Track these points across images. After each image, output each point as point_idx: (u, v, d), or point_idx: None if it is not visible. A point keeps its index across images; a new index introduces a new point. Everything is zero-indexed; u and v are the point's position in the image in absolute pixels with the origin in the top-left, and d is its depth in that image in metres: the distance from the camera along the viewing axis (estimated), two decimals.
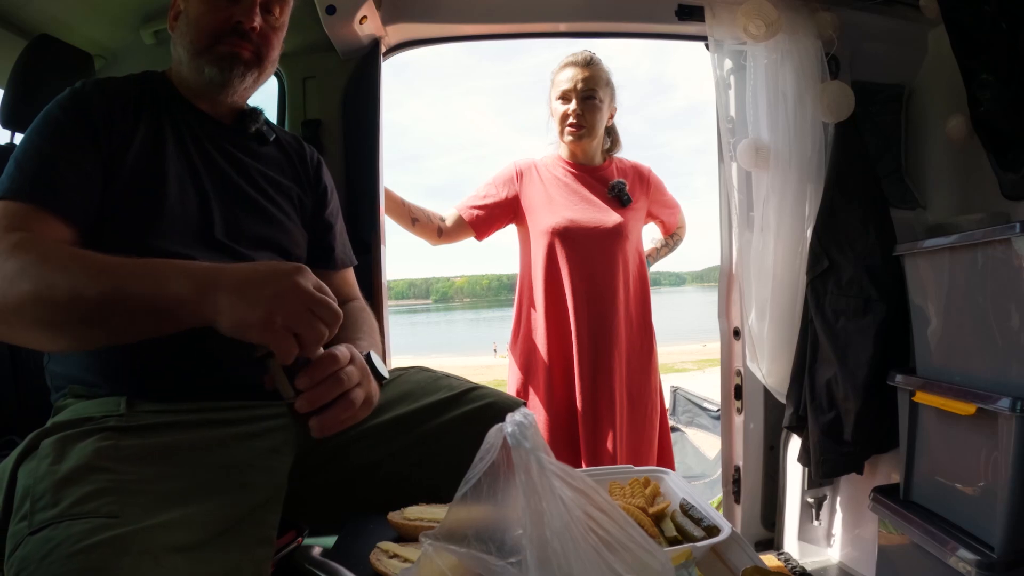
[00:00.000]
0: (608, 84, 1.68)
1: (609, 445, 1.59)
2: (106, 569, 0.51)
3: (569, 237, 1.63)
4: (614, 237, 1.65)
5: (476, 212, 1.69)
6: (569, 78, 1.65)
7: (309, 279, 0.64)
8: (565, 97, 1.66)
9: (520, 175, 1.72)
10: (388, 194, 1.56)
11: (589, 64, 1.66)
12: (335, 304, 0.65)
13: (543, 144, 1.80)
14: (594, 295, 1.63)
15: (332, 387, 0.67)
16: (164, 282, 0.63)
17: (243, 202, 0.90)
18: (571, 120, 1.65)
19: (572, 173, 1.72)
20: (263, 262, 0.68)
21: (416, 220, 1.65)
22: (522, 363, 1.70)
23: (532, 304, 1.69)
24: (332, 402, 0.67)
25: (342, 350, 0.69)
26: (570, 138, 1.68)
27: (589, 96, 1.65)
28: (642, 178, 1.79)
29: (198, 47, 0.88)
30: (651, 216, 1.85)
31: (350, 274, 1.09)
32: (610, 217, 1.66)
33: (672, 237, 1.97)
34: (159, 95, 0.90)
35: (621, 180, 1.71)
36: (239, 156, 0.93)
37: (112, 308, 0.63)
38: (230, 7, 0.87)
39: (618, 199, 1.69)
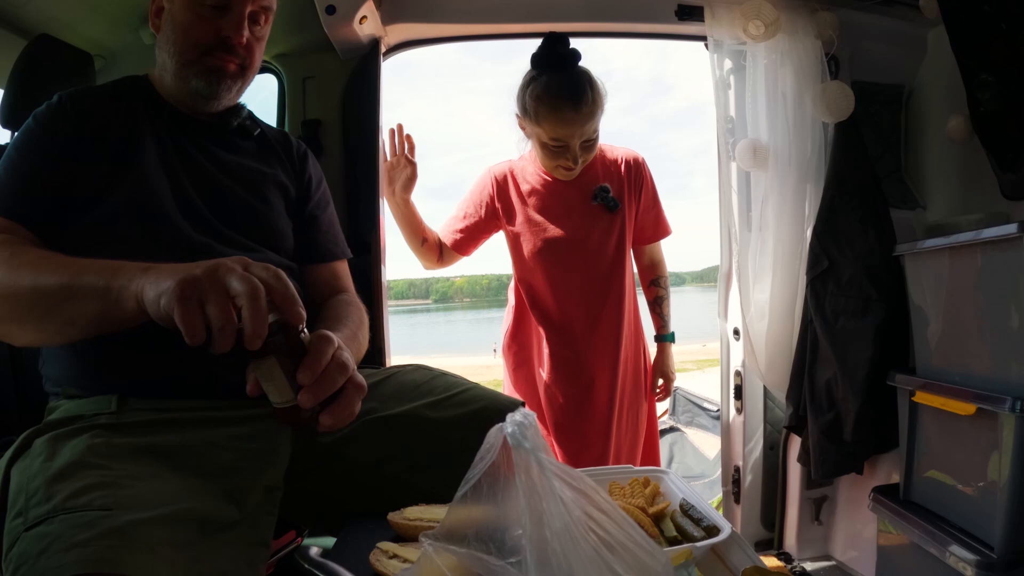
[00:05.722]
0: (602, 108, 1.48)
1: (594, 452, 1.57)
2: (103, 561, 0.52)
3: (551, 254, 1.56)
4: (597, 250, 1.57)
5: (457, 236, 1.62)
6: (566, 126, 1.44)
7: (238, 260, 0.58)
8: (560, 145, 1.47)
9: (496, 185, 1.61)
10: (412, 209, 1.53)
11: (587, 108, 1.43)
12: (255, 283, 0.55)
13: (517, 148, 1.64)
14: (581, 306, 1.58)
15: (338, 373, 0.61)
16: (115, 273, 0.63)
17: (228, 200, 0.90)
18: (568, 165, 1.51)
19: (550, 182, 1.58)
20: None
21: (426, 240, 1.60)
22: (514, 366, 1.67)
23: (523, 308, 1.65)
24: (337, 392, 0.61)
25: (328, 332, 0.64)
26: (564, 177, 1.55)
27: (590, 139, 1.49)
28: (632, 173, 1.61)
29: (185, 58, 0.88)
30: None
31: (340, 267, 1.06)
32: (593, 230, 1.56)
33: (660, 282, 1.74)
34: (137, 99, 0.90)
35: (604, 185, 1.56)
36: (219, 151, 0.93)
37: (66, 298, 0.64)
38: (217, 19, 0.87)
39: (603, 205, 1.56)
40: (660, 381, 1.73)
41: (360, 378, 0.65)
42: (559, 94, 1.42)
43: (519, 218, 1.59)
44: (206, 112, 0.94)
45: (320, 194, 1.06)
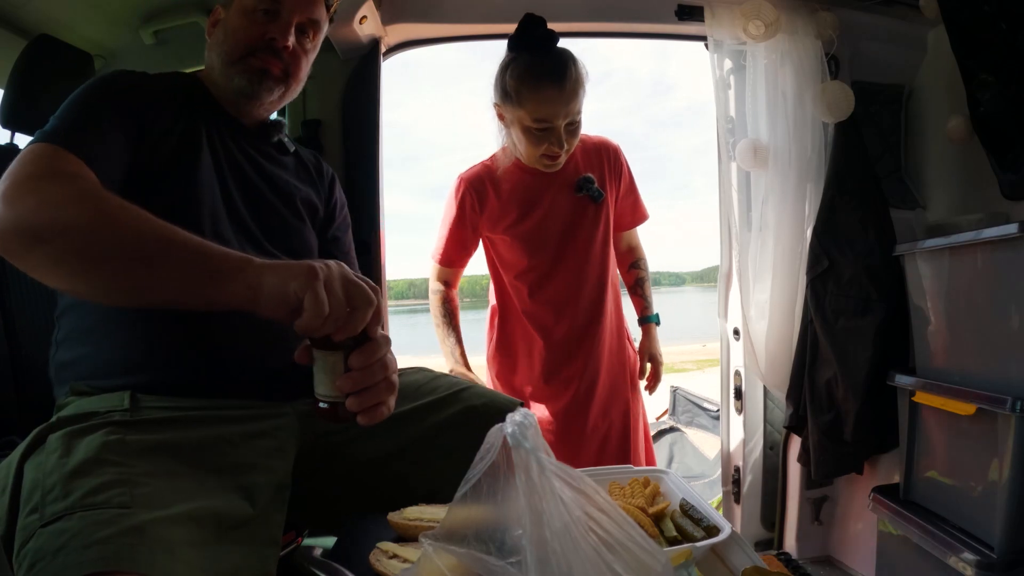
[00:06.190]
0: (584, 87, 1.40)
1: (591, 449, 1.56)
2: (123, 559, 0.52)
3: (543, 251, 1.52)
4: (587, 242, 1.52)
5: (450, 256, 1.57)
6: (550, 104, 1.35)
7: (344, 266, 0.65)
8: (544, 128, 1.38)
9: (470, 193, 1.50)
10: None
11: (571, 85, 1.35)
12: (368, 290, 0.64)
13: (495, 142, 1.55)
14: (579, 300, 1.55)
15: (381, 368, 0.67)
16: (218, 248, 0.64)
17: (267, 210, 0.92)
18: (554, 152, 1.41)
19: (530, 177, 1.50)
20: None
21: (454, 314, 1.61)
22: (498, 372, 1.64)
23: (508, 313, 1.61)
24: (373, 387, 0.67)
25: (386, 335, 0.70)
26: (547, 167, 1.47)
27: (574, 122, 1.40)
28: (611, 160, 1.56)
29: (231, 58, 0.91)
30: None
31: None
32: (582, 223, 1.51)
33: (640, 264, 1.70)
34: (193, 95, 0.92)
35: (588, 175, 1.50)
36: (263, 162, 0.96)
37: (164, 258, 0.63)
38: (267, 24, 0.91)
39: (589, 197, 1.50)
40: (648, 366, 1.65)
41: (394, 377, 0.71)
42: (541, 71, 1.35)
43: (504, 221, 1.52)
44: (250, 117, 0.96)
45: (343, 218, 1.09)
